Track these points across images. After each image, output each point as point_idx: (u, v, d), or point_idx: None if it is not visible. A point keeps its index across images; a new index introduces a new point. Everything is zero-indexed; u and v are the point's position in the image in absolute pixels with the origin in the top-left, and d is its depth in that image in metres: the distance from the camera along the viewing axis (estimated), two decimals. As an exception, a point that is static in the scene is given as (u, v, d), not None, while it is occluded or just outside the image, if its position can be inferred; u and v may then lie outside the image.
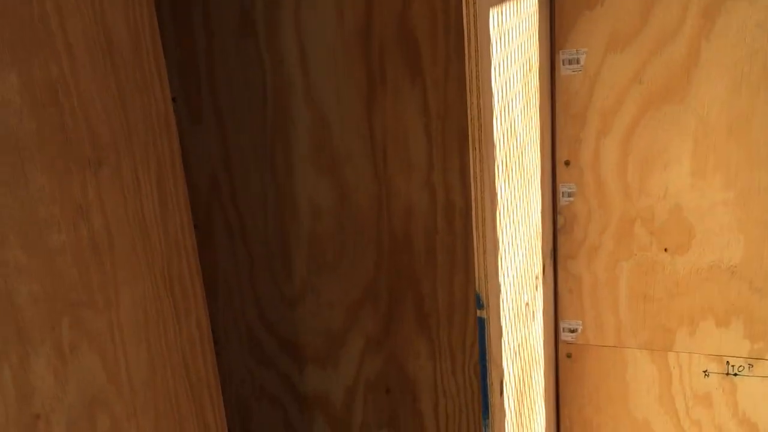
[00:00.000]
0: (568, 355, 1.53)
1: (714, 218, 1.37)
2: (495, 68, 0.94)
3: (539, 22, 1.28)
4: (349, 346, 1.72)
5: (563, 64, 1.38)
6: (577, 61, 1.37)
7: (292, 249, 1.72)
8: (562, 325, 1.52)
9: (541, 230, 1.37)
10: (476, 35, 0.87)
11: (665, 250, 1.41)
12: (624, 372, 1.50)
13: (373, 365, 1.72)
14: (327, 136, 1.60)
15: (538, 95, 1.29)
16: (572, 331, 1.51)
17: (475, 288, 0.94)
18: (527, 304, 1.21)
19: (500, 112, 0.97)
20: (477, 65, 0.87)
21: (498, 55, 0.96)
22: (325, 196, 1.65)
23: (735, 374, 1.43)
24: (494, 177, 0.95)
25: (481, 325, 0.93)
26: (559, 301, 1.51)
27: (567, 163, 1.43)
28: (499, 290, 0.98)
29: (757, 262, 1.36)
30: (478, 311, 0.93)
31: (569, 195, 1.44)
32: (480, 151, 0.91)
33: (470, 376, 1.63)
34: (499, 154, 0.97)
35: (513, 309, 1.09)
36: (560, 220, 1.46)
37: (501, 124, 0.98)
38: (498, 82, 0.96)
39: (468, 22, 0.88)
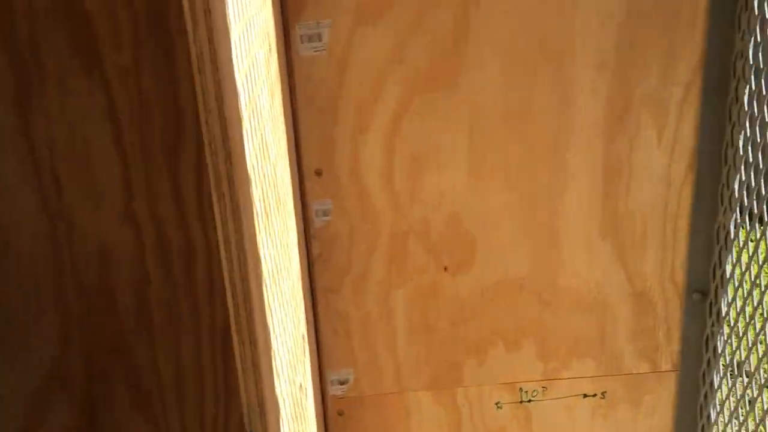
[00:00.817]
0: (340, 413, 1.21)
1: (497, 226, 1.13)
2: (236, 46, 0.56)
3: (268, -18, 0.91)
4: (36, 451, 1.21)
5: (302, 42, 1.03)
6: (319, 37, 1.03)
7: (-77, 327, 1.14)
8: (329, 377, 1.19)
9: (299, 268, 1.02)
10: (204, -12, 0.48)
11: (445, 269, 1.15)
12: (408, 421, 1.23)
13: (75, 471, 1.23)
14: (-40, 156, 1.06)
15: (281, 87, 0.93)
16: (342, 382, 1.19)
17: (243, 417, 0.56)
18: (301, 385, 0.85)
19: (250, 119, 0.59)
20: (211, 41, 0.48)
21: (237, 26, 0.57)
22: (-31, 245, 1.11)
23: (529, 401, 1.23)
24: (255, 232, 0.57)
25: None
26: (322, 347, 1.18)
27: (318, 173, 1.09)
28: (278, 409, 0.61)
29: (545, 272, 1.16)
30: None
31: (324, 213, 1.11)
32: (231, 193, 0.52)
33: (216, 463, 1.23)
34: (256, 191, 0.59)
35: (291, 410, 0.72)
36: (316, 247, 1.12)
37: (253, 139, 0.60)
38: (242, 69, 0.57)
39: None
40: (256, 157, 0.61)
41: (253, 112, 0.60)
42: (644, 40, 1.05)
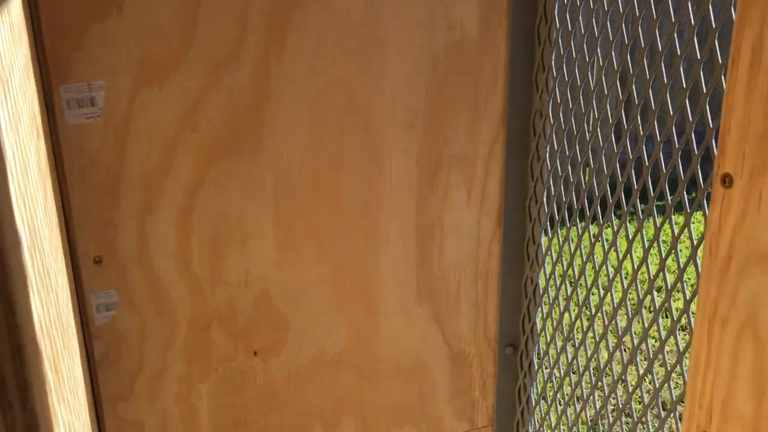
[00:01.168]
0: None
1: (310, 301, 1.03)
2: (8, 153, 0.40)
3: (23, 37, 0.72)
4: None
5: (69, 107, 0.85)
6: (92, 102, 0.86)
7: None
8: (123, 498, 1.00)
9: (81, 379, 0.83)
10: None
11: (255, 354, 1.02)
12: None
13: None
14: None
15: (50, 172, 0.74)
16: (140, 501, 1.01)
17: None
18: None
19: (30, 244, 0.43)
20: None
21: (6, 109, 0.41)
22: None
23: (352, 482, 1.14)
24: (49, 399, 0.41)
25: None
26: (113, 465, 0.98)
27: (98, 261, 0.90)
28: None
29: (363, 343, 1.08)
30: None
31: (108, 308, 0.92)
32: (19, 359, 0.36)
33: None
34: (43, 338, 0.43)
35: None
36: (99, 349, 0.93)
37: (35, 275, 0.44)
38: (16, 171, 0.41)
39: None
40: (42, 304, 0.44)
41: (35, 247, 0.44)
42: (451, 98, 1.02)
